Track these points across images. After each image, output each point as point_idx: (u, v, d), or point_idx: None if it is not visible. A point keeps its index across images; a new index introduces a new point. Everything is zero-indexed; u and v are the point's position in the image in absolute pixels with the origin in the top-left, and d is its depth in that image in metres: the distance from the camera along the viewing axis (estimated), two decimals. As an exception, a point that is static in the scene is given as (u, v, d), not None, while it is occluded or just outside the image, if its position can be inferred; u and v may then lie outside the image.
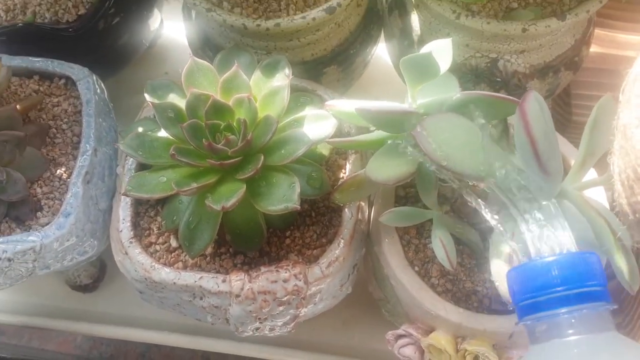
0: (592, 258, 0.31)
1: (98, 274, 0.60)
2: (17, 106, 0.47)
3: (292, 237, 0.47)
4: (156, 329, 0.60)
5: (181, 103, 0.46)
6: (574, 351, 0.30)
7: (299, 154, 0.42)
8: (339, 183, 0.46)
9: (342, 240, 0.46)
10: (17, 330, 0.65)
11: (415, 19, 0.56)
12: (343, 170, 0.50)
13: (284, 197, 0.42)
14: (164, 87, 0.48)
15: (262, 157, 0.42)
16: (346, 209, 0.47)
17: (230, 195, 0.41)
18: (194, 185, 0.41)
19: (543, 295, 0.31)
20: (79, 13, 0.55)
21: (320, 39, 0.55)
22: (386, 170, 0.38)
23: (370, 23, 0.59)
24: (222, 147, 0.43)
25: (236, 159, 0.43)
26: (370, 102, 0.43)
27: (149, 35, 0.65)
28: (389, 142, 0.40)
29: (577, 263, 0.31)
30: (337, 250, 0.46)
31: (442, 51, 0.43)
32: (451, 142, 0.35)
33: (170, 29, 0.74)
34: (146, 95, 0.47)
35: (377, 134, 0.42)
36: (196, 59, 0.46)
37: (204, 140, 0.44)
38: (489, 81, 0.55)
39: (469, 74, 0.54)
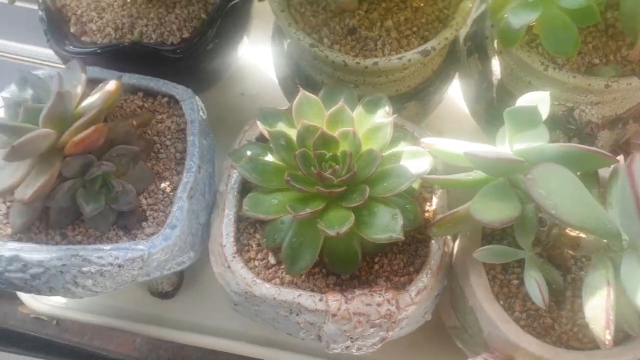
0: None
1: (178, 282, 0.63)
2: (133, 122, 0.51)
3: (380, 264, 0.51)
4: (224, 337, 0.63)
5: (290, 132, 0.50)
6: None
7: (402, 188, 0.46)
8: (435, 218, 0.50)
9: (430, 271, 0.50)
10: (81, 327, 0.68)
11: (496, 64, 0.60)
12: (429, 203, 0.53)
13: (387, 227, 0.45)
14: (273, 115, 0.51)
15: (368, 189, 0.46)
16: (433, 241, 0.51)
17: (342, 223, 0.44)
18: (308, 210, 0.45)
19: None
20: (183, 36, 0.58)
21: (406, 77, 0.58)
22: (492, 212, 0.42)
23: (450, 63, 0.63)
24: (329, 175, 0.47)
25: (342, 188, 0.47)
26: (472, 145, 0.47)
27: (236, 60, 0.69)
28: (493, 184, 0.44)
29: None
30: (425, 279, 0.49)
31: (540, 103, 0.46)
32: (559, 192, 0.39)
33: (245, 51, 0.78)
34: (258, 123, 0.51)
35: (478, 174, 0.46)
36: (306, 92, 0.50)
37: (312, 168, 0.47)
38: (564, 128, 0.58)
39: (546, 119, 0.58)
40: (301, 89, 0.50)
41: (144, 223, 0.52)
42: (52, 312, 0.68)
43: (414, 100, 0.61)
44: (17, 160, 0.46)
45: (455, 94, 0.69)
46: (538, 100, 0.47)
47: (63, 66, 0.70)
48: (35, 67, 0.80)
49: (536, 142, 0.46)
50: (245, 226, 0.52)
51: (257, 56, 0.78)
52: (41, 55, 0.81)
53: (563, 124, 0.58)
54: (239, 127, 0.75)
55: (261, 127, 0.50)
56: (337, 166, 0.47)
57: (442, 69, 0.62)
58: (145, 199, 0.53)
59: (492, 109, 0.62)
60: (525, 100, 0.47)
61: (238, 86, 0.77)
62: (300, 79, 0.61)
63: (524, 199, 0.44)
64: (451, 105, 0.74)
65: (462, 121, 0.74)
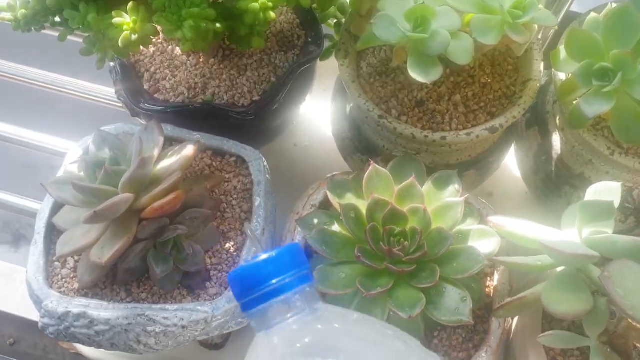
0: (296, 248, 0.40)
1: (227, 333, 0.64)
2: (207, 186, 0.52)
3: (439, 338, 0.51)
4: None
5: (359, 203, 0.50)
6: (293, 327, 0.37)
7: (474, 271, 0.46)
8: (496, 295, 0.51)
9: (489, 349, 0.50)
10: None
11: (556, 139, 0.61)
12: (489, 279, 0.54)
13: (456, 310, 0.46)
14: (341, 185, 0.52)
15: (438, 269, 0.47)
16: (494, 319, 0.51)
17: (414, 305, 0.45)
18: (379, 289, 0.45)
19: (262, 288, 0.37)
20: (253, 99, 0.60)
21: (468, 147, 0.59)
22: (565, 304, 0.42)
23: (509, 134, 0.64)
24: (398, 252, 0.47)
25: (412, 267, 0.47)
26: (543, 230, 0.47)
27: (297, 117, 0.70)
28: (563, 273, 0.45)
29: (284, 255, 0.39)
30: (485, 357, 0.49)
31: (611, 192, 0.47)
32: (636, 292, 0.39)
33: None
34: (328, 192, 0.52)
35: (547, 259, 0.46)
36: (377, 166, 0.51)
37: (382, 243, 0.48)
38: (622, 207, 0.58)
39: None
40: (372, 162, 0.51)
41: (208, 283, 0.53)
42: (92, 354, 0.68)
43: (473, 169, 0.62)
44: (96, 223, 0.47)
45: (508, 158, 0.70)
46: (609, 190, 0.47)
47: (120, 106, 0.72)
48: (94, 104, 0.82)
49: (604, 229, 0.46)
50: (307, 292, 0.53)
51: (311, 109, 0.79)
52: (99, 92, 0.82)
53: (621, 202, 0.58)
54: (293, 178, 0.76)
55: (331, 198, 0.51)
56: (406, 242, 0.48)
57: (502, 139, 0.63)
58: (210, 258, 0.53)
59: (549, 181, 0.63)
60: (595, 190, 0.48)
61: (291, 138, 0.78)
62: (360, 141, 0.62)
63: (594, 289, 0.44)
64: (503, 168, 0.74)
65: (512, 183, 0.75)
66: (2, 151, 0.93)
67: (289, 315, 0.38)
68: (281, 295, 0.38)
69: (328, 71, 0.83)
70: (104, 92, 0.82)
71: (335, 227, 0.51)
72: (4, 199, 0.78)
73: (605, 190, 0.47)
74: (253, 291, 0.38)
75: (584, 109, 0.50)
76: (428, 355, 0.40)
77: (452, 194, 0.51)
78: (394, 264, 0.47)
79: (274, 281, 0.38)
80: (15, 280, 0.77)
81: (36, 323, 0.52)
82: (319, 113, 0.80)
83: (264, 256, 0.38)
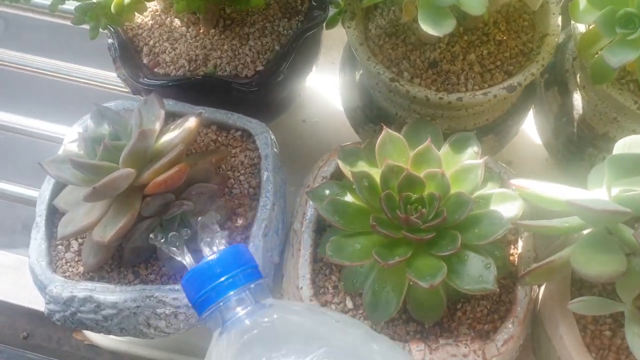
0: (239, 248, 0.41)
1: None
2: (212, 160, 0.50)
3: (463, 310, 0.48)
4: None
5: (372, 171, 0.48)
6: (244, 322, 0.38)
7: (497, 236, 0.44)
8: (521, 262, 0.48)
9: (516, 319, 0.47)
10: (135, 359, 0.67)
11: (577, 98, 0.58)
12: (513, 247, 0.51)
13: (480, 277, 0.43)
14: (353, 154, 0.50)
15: (459, 236, 0.44)
16: (519, 287, 0.48)
17: (435, 274, 0.42)
18: (397, 258, 0.43)
19: (210, 289, 0.38)
20: (257, 69, 0.57)
21: (486, 110, 0.56)
22: (596, 266, 0.39)
23: (527, 96, 0.61)
24: (416, 220, 0.45)
25: (431, 234, 0.44)
26: (569, 190, 0.44)
27: (304, 89, 0.67)
28: (592, 233, 0.42)
29: (228, 256, 0.40)
30: (512, 328, 0.47)
31: (641, 147, 0.44)
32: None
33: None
34: (339, 162, 0.49)
35: (574, 220, 0.43)
36: (390, 130, 0.48)
37: (398, 211, 0.45)
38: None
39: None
40: (385, 126, 0.49)
41: (218, 261, 0.50)
42: (107, 343, 0.67)
43: (492, 133, 0.59)
44: (97, 201, 0.45)
45: (525, 124, 0.67)
46: (638, 144, 0.44)
47: (125, 90, 0.70)
48: (98, 90, 0.80)
49: (635, 186, 0.43)
50: (321, 267, 0.50)
51: (319, 84, 0.77)
52: (103, 77, 0.80)
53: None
54: (303, 155, 0.74)
55: (342, 167, 0.49)
56: (423, 209, 0.45)
57: (520, 101, 0.60)
58: (219, 236, 0.51)
59: (571, 144, 0.59)
60: (624, 144, 0.45)
61: (300, 113, 0.75)
62: (372, 110, 0.59)
63: (627, 251, 0.42)
64: (521, 134, 0.71)
65: (532, 151, 0.72)
66: (5, 141, 0.91)
67: (238, 311, 0.39)
68: (229, 292, 0.39)
69: (336, 42, 0.80)
70: (107, 76, 0.80)
71: (348, 198, 0.48)
72: (9, 190, 0.76)
73: (635, 144, 0.44)
74: (203, 293, 0.39)
75: (608, 60, 0.47)
76: (374, 339, 0.40)
77: (471, 156, 0.48)
78: (411, 232, 0.44)
79: (222, 279, 0.39)
80: (26, 272, 0.76)
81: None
82: (327, 87, 0.77)
83: (209, 258, 0.40)
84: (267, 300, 0.40)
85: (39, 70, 0.81)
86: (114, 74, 0.64)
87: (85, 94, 0.82)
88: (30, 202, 0.77)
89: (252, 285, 0.40)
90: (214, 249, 0.42)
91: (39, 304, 0.73)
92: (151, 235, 0.45)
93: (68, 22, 0.78)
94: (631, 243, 0.41)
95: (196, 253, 0.49)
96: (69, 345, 0.79)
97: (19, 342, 0.77)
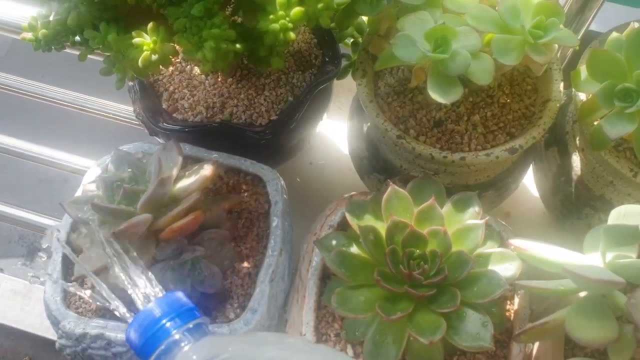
0: (179, 293, 0.43)
1: None
2: (225, 206, 0.52)
3: (460, 362, 0.50)
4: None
5: (377, 225, 0.50)
6: (193, 357, 0.40)
7: (495, 295, 0.46)
8: (517, 319, 0.50)
9: (510, 374, 0.49)
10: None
11: (576, 160, 0.60)
12: (509, 302, 0.53)
13: (477, 335, 0.45)
14: (360, 206, 0.52)
15: (459, 293, 0.46)
16: (514, 344, 0.50)
17: (434, 330, 0.44)
18: (399, 313, 0.45)
19: (154, 333, 0.40)
20: (271, 118, 0.60)
21: (487, 168, 0.59)
22: (590, 331, 0.41)
23: (528, 154, 0.63)
24: (418, 275, 0.47)
25: (433, 291, 0.46)
26: (564, 254, 0.47)
27: (314, 136, 0.70)
28: (587, 298, 0.44)
29: (163, 302, 0.42)
30: (506, 383, 0.49)
31: (636, 216, 0.46)
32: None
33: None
34: (347, 214, 0.51)
35: (570, 284, 0.45)
36: (396, 187, 0.51)
37: (401, 266, 0.47)
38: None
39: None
40: (391, 183, 0.51)
41: (226, 304, 0.52)
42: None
43: (492, 189, 0.61)
44: (116, 244, 0.47)
45: (525, 178, 0.69)
46: (633, 214, 0.47)
47: (135, 122, 0.71)
48: (116, 124, 0.82)
49: (628, 254, 0.46)
50: (324, 314, 0.52)
51: (327, 128, 0.79)
52: (118, 110, 0.83)
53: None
54: (309, 197, 0.76)
55: (350, 220, 0.51)
56: (425, 265, 0.47)
57: (521, 160, 0.62)
58: (227, 279, 0.53)
59: (568, 203, 0.62)
60: (619, 213, 0.47)
61: (306, 156, 0.78)
62: (378, 161, 0.62)
63: (619, 315, 0.44)
64: (521, 188, 0.73)
65: (530, 204, 0.74)
66: (20, 168, 0.93)
67: (182, 345, 0.41)
68: (172, 332, 0.41)
69: (344, 89, 0.83)
70: (122, 110, 0.82)
71: (354, 249, 0.51)
72: (20, 216, 0.78)
73: (630, 214, 0.46)
74: (148, 338, 0.41)
75: (606, 131, 0.49)
76: (313, 352, 0.42)
77: (473, 216, 0.51)
78: (414, 288, 0.46)
79: (163, 321, 0.41)
80: (31, 298, 0.77)
81: (52, 341, 0.52)
82: (334, 132, 0.80)
83: (148, 306, 0.42)
84: (206, 337, 0.42)
85: (57, 101, 0.83)
86: (125, 107, 0.66)
87: (102, 127, 0.84)
88: (36, 228, 0.79)
89: (191, 325, 0.42)
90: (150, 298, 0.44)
91: (43, 330, 0.75)
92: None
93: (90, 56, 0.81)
94: (624, 310, 0.43)
95: (206, 297, 0.51)
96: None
97: (21, 367, 0.78)
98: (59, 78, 0.86)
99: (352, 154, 0.67)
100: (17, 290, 0.75)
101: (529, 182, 0.72)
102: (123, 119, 0.82)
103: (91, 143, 0.78)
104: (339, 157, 0.78)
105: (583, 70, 0.54)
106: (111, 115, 0.83)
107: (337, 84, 0.72)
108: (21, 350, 0.79)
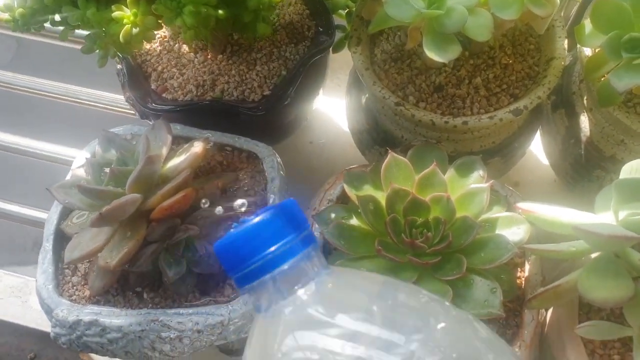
0: (291, 205, 0.33)
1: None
2: (219, 184, 0.50)
3: (470, 334, 0.48)
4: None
5: (377, 195, 0.48)
6: (303, 300, 0.31)
7: (503, 260, 0.43)
8: (528, 286, 0.47)
9: (523, 343, 0.47)
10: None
11: (584, 121, 0.57)
12: (520, 269, 0.51)
13: (486, 302, 0.43)
14: (358, 177, 0.50)
15: (465, 260, 0.44)
16: (527, 311, 0.48)
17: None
18: (402, 283, 0.43)
19: (259, 259, 0.31)
20: (264, 93, 0.57)
21: (492, 133, 0.56)
22: (603, 291, 0.39)
23: (534, 118, 0.61)
24: (422, 244, 0.45)
25: (437, 259, 0.44)
26: (575, 214, 0.44)
27: (311, 112, 0.68)
28: (599, 257, 0.41)
29: (280, 215, 0.32)
30: (518, 352, 0.46)
31: (648, 171, 0.44)
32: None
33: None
34: (345, 185, 0.49)
35: (581, 244, 0.43)
36: (395, 154, 0.48)
37: (403, 235, 0.45)
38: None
39: None
40: (390, 150, 0.49)
41: (223, 285, 0.50)
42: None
43: (498, 156, 0.59)
44: (104, 226, 0.45)
45: (532, 144, 0.67)
46: (645, 167, 0.44)
47: (133, 113, 0.70)
48: (105, 113, 0.81)
49: (641, 210, 0.43)
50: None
51: (326, 106, 0.77)
52: (109, 99, 0.81)
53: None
54: (310, 176, 0.74)
55: (348, 191, 0.49)
56: (429, 233, 0.45)
57: (527, 124, 0.60)
58: (225, 260, 0.51)
59: (578, 166, 0.59)
60: (631, 167, 0.45)
61: (307, 134, 0.76)
62: (378, 133, 0.60)
63: (635, 275, 0.41)
64: (528, 155, 0.71)
65: (539, 172, 0.72)
66: (15, 163, 0.92)
67: (296, 287, 0.32)
68: (284, 264, 0.32)
69: (342, 66, 0.81)
70: (115, 99, 0.81)
71: (354, 221, 0.48)
72: (18, 211, 0.77)
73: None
74: (248, 263, 0.32)
75: (614, 84, 0.47)
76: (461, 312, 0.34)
77: (477, 180, 0.48)
78: (417, 257, 0.44)
79: (272, 248, 0.31)
80: (32, 294, 0.76)
81: (57, 336, 0.51)
82: (333, 109, 0.78)
83: (256, 219, 0.32)
84: (327, 269, 0.33)
85: (48, 94, 0.82)
86: (122, 97, 0.65)
87: (94, 117, 0.83)
88: (39, 224, 0.78)
89: (312, 252, 0.32)
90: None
91: (45, 325, 0.74)
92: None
93: (77, 46, 0.79)
94: (638, 267, 0.41)
95: (203, 278, 0.50)
96: (76, 365, 0.79)
97: (27, 364, 0.77)
98: (50, 71, 0.85)
99: (351, 128, 0.65)
100: (17, 286, 0.74)
101: (538, 151, 0.69)
102: (115, 107, 0.81)
103: (83, 133, 0.77)
104: (339, 135, 0.76)
105: (587, 23, 0.51)
106: (103, 105, 0.81)
107: (334, 60, 0.70)
108: (26, 346, 0.78)
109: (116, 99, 0.80)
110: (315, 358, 0.29)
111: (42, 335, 0.73)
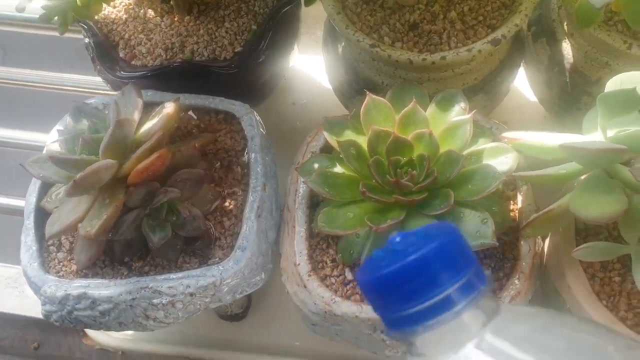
0: (456, 233, 0.28)
1: (247, 303, 0.61)
2: (196, 144, 0.49)
3: (466, 271, 0.47)
4: (300, 357, 0.60)
5: (358, 139, 0.47)
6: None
7: (491, 189, 0.42)
8: (522, 217, 0.46)
9: (522, 274, 0.46)
10: (147, 358, 0.66)
11: (567, 47, 0.56)
12: (513, 202, 0.50)
13: (478, 233, 0.42)
14: (339, 124, 0.49)
15: (452, 193, 0.42)
16: (522, 242, 0.47)
17: (430, 233, 0.41)
18: (389, 222, 0.42)
19: (426, 298, 0.27)
20: (235, 50, 0.56)
21: (473, 69, 0.55)
22: (596, 207, 0.38)
23: (516, 50, 0.59)
24: (407, 182, 0.43)
25: (423, 195, 0.43)
26: (562, 136, 0.43)
27: (287, 70, 0.66)
28: (590, 176, 0.40)
29: (448, 245, 0.27)
30: (518, 284, 0.45)
31: (634, 81, 0.42)
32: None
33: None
34: (325, 133, 0.48)
35: (571, 167, 0.42)
36: (373, 95, 0.47)
37: (388, 176, 0.44)
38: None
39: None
40: (368, 92, 0.47)
41: (212, 246, 0.49)
42: (117, 344, 0.66)
43: (481, 93, 0.57)
44: (79, 195, 0.44)
45: (518, 82, 0.65)
46: (630, 81, 0.42)
47: (113, 92, 0.69)
48: (84, 96, 0.79)
49: (630, 126, 0.42)
50: (318, 242, 0.49)
51: (305, 64, 0.75)
52: (88, 83, 0.80)
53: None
54: (295, 137, 0.72)
55: (328, 138, 0.47)
56: (414, 172, 0.44)
57: (509, 57, 0.58)
58: (210, 221, 0.50)
59: (565, 95, 0.58)
60: (615, 82, 0.43)
61: (288, 96, 0.74)
62: (358, 82, 0.58)
63: (627, 192, 0.40)
64: (515, 94, 0.70)
65: (528, 110, 0.70)
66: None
67: (470, 331, 0.27)
68: (457, 307, 0.27)
69: (317, 21, 0.79)
70: (91, 81, 0.79)
71: (338, 169, 0.47)
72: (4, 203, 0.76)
73: (627, 81, 0.42)
74: (412, 303, 0.27)
75: (591, 0, 0.45)
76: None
77: (459, 113, 0.47)
78: (403, 196, 0.43)
79: (448, 288, 0.27)
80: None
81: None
82: (313, 68, 0.76)
83: (420, 253, 0.27)
84: (497, 310, 0.28)
85: (20, 82, 0.80)
86: (98, 79, 0.64)
87: (70, 101, 0.81)
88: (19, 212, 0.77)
89: (482, 289, 0.28)
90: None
91: (46, 314, 0.73)
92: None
93: (46, 32, 0.77)
94: (630, 182, 0.39)
95: (190, 241, 0.49)
96: (80, 351, 0.78)
97: (31, 353, 0.76)
98: (22, 60, 0.84)
99: (332, 82, 0.63)
100: (12, 277, 0.73)
101: (524, 88, 0.68)
102: (94, 90, 0.79)
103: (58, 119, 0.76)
104: (322, 94, 0.74)
105: (560, -58, 0.49)
106: (81, 89, 0.80)
107: (308, 15, 0.68)
108: (29, 337, 0.77)
109: (92, 81, 0.79)
110: None
111: (43, 324, 0.72)
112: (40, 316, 0.72)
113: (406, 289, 0.27)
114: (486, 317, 0.28)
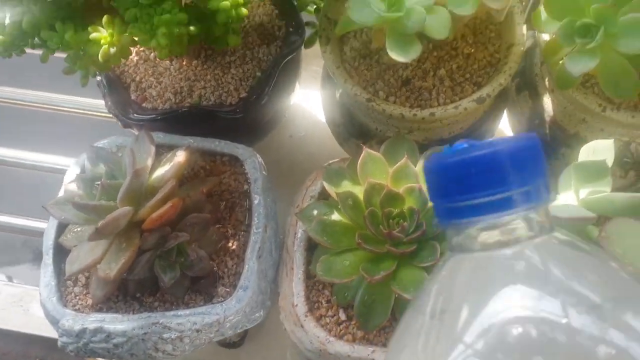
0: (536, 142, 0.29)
1: (244, 331, 0.65)
2: (204, 190, 0.52)
3: (450, 312, 0.52)
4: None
5: (355, 190, 0.51)
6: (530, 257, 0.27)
7: (474, 244, 0.46)
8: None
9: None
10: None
11: (547, 101, 0.60)
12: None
13: (461, 284, 0.46)
14: (337, 174, 0.53)
15: (438, 246, 0.47)
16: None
17: (418, 285, 0.45)
18: (382, 273, 0.46)
19: (488, 193, 0.27)
20: (241, 96, 0.60)
21: (459, 120, 0.59)
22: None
23: (500, 101, 0.64)
24: (398, 234, 0.48)
25: (413, 247, 0.47)
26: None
27: (288, 108, 0.70)
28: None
29: (522, 150, 0.28)
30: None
31: (605, 151, 0.47)
32: (635, 249, 0.39)
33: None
34: (325, 184, 0.52)
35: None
36: (369, 150, 0.51)
37: (381, 227, 0.48)
38: (620, 162, 0.58)
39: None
40: (365, 147, 0.52)
41: (216, 285, 0.53)
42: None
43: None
44: (100, 239, 0.48)
45: (502, 125, 0.69)
46: (601, 149, 0.47)
47: (110, 117, 0.72)
48: (93, 119, 0.82)
49: (601, 188, 0.46)
50: (314, 283, 0.53)
51: (303, 99, 0.79)
52: (93, 106, 0.83)
53: (619, 157, 0.58)
54: (293, 169, 0.76)
55: (328, 188, 0.52)
56: (405, 223, 0.48)
57: (493, 108, 0.63)
58: (214, 260, 0.54)
59: (545, 145, 0.58)
60: (588, 149, 0.48)
61: (286, 129, 0.78)
62: (354, 126, 0.62)
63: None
64: (498, 134, 0.74)
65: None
66: (5, 174, 0.94)
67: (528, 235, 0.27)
68: (515, 210, 0.27)
69: (316, 55, 0.82)
70: (99, 105, 0.82)
71: (335, 216, 0.51)
72: (13, 222, 0.79)
73: (599, 149, 0.47)
74: (474, 194, 0.27)
75: (569, 68, 0.49)
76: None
77: (446, 169, 0.51)
78: (395, 246, 0.47)
79: (513, 190, 0.26)
80: (34, 302, 0.78)
81: (60, 340, 0.53)
82: (310, 101, 0.80)
83: (498, 146, 0.27)
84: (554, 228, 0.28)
85: (34, 104, 0.83)
86: (103, 102, 0.67)
87: (80, 124, 0.84)
88: (35, 233, 0.80)
89: (545, 202, 0.28)
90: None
91: (49, 331, 0.76)
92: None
93: (57, 55, 0.79)
94: (598, 244, 0.44)
95: (197, 280, 0.53)
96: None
97: (33, 368, 0.80)
98: (30, 81, 0.87)
99: (328, 122, 0.67)
100: (17, 295, 0.77)
101: (507, 129, 0.72)
102: (101, 114, 0.82)
103: (70, 141, 0.79)
104: (318, 127, 0.78)
105: (543, 10, 0.54)
106: (90, 112, 0.83)
107: (307, 51, 0.72)
108: (31, 353, 0.81)
109: (99, 105, 0.82)
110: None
111: (46, 341, 0.76)
112: (44, 334, 0.76)
113: (473, 180, 0.27)
114: (536, 231, 0.28)
